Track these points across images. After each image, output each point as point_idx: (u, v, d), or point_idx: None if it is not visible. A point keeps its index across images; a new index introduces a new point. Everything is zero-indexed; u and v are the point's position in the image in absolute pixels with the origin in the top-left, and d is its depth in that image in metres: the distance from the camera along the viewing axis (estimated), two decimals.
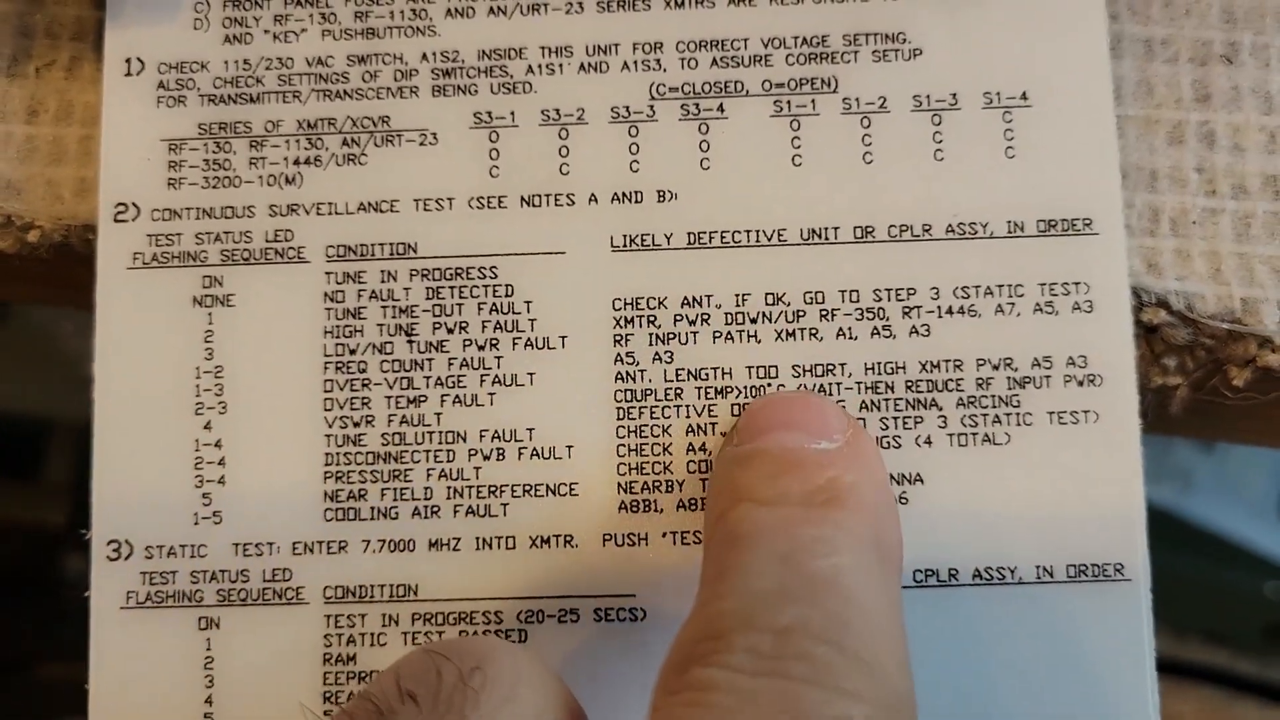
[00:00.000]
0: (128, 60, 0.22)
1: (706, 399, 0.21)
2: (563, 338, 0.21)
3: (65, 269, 0.24)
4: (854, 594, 0.17)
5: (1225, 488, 0.48)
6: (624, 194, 0.22)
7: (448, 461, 0.21)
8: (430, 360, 0.21)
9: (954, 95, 0.22)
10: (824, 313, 0.21)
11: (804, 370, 0.21)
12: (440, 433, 0.21)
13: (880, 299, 0.21)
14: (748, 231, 0.21)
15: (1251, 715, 0.49)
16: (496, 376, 0.21)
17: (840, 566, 0.17)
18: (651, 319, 0.21)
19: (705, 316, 0.21)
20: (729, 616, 0.16)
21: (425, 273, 0.22)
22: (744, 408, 0.21)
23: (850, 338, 0.21)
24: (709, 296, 0.21)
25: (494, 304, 0.22)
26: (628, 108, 0.22)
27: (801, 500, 0.18)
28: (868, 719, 0.15)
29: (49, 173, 0.23)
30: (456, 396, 0.21)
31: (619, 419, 0.21)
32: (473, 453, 0.21)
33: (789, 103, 0.22)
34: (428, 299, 0.22)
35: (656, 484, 0.21)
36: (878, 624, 0.17)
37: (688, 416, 0.21)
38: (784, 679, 0.15)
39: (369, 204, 0.22)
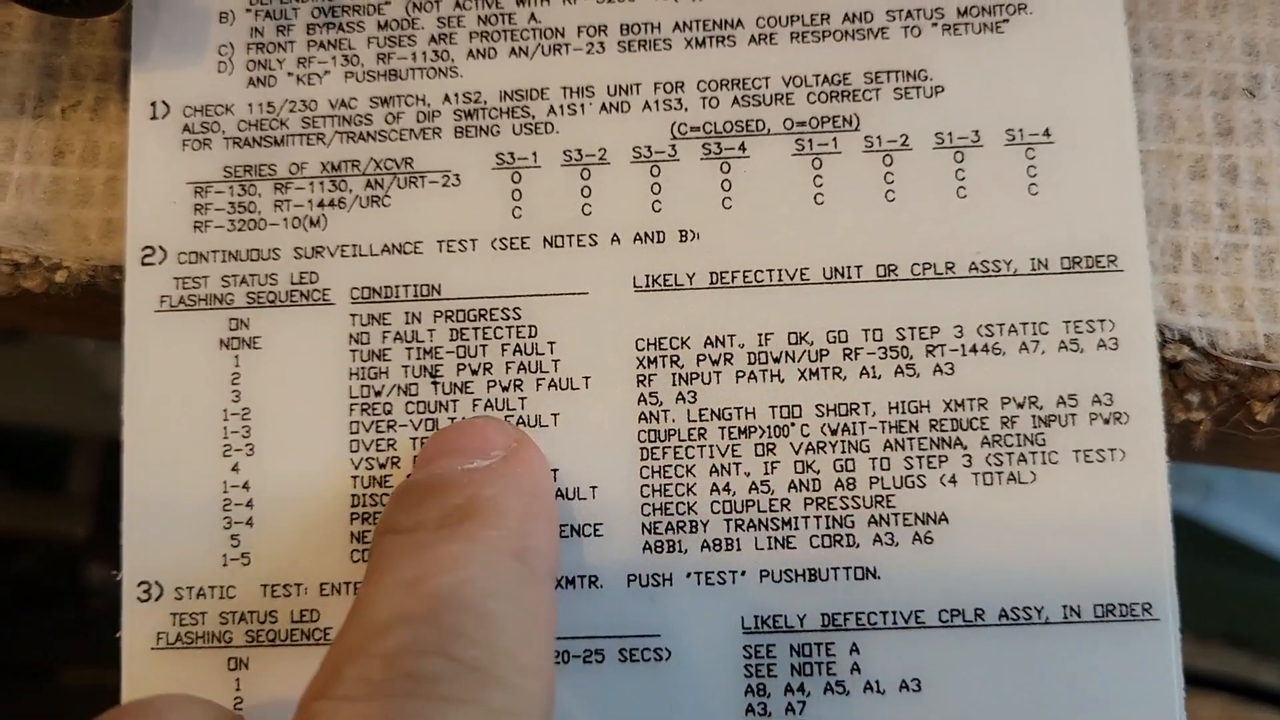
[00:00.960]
0: (153, 104, 0.23)
1: (730, 439, 0.21)
2: (586, 378, 0.21)
3: (93, 305, 0.24)
4: (476, 604, 0.17)
5: (1246, 494, 0.48)
6: (646, 234, 0.22)
7: None
8: (455, 401, 0.22)
9: (976, 132, 0.22)
10: (847, 352, 0.21)
11: (828, 410, 0.21)
12: None
13: (904, 338, 0.21)
14: (770, 271, 0.22)
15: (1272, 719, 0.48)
16: (521, 417, 0.21)
17: (464, 579, 0.17)
18: (675, 359, 0.21)
19: (728, 356, 0.21)
20: (345, 649, 0.17)
21: (449, 314, 0.22)
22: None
23: (874, 377, 0.21)
24: (732, 336, 0.21)
25: (517, 345, 0.22)
26: (649, 147, 0.22)
27: (437, 523, 0.18)
28: None
29: (76, 214, 0.23)
30: None
31: (643, 459, 0.21)
32: None
33: (811, 141, 0.22)
34: (452, 340, 0.22)
35: (680, 524, 0.21)
36: (502, 632, 0.17)
37: (711, 457, 0.21)
38: (387, 698, 0.16)
39: (393, 245, 0.22)
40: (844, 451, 0.21)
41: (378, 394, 0.22)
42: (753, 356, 0.21)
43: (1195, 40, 0.23)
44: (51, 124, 0.24)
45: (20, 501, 0.52)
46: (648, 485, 0.21)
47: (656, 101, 0.22)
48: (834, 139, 0.22)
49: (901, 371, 0.21)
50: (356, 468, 0.22)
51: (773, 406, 0.21)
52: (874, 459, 0.21)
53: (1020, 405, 0.21)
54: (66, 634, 0.53)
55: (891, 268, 0.21)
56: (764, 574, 0.21)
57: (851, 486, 0.21)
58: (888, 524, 0.21)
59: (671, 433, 0.21)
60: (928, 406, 0.21)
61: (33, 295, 0.24)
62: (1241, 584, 0.48)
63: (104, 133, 0.24)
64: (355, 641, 0.17)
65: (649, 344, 0.21)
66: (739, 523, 0.21)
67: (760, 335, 0.21)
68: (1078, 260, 0.21)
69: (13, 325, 0.27)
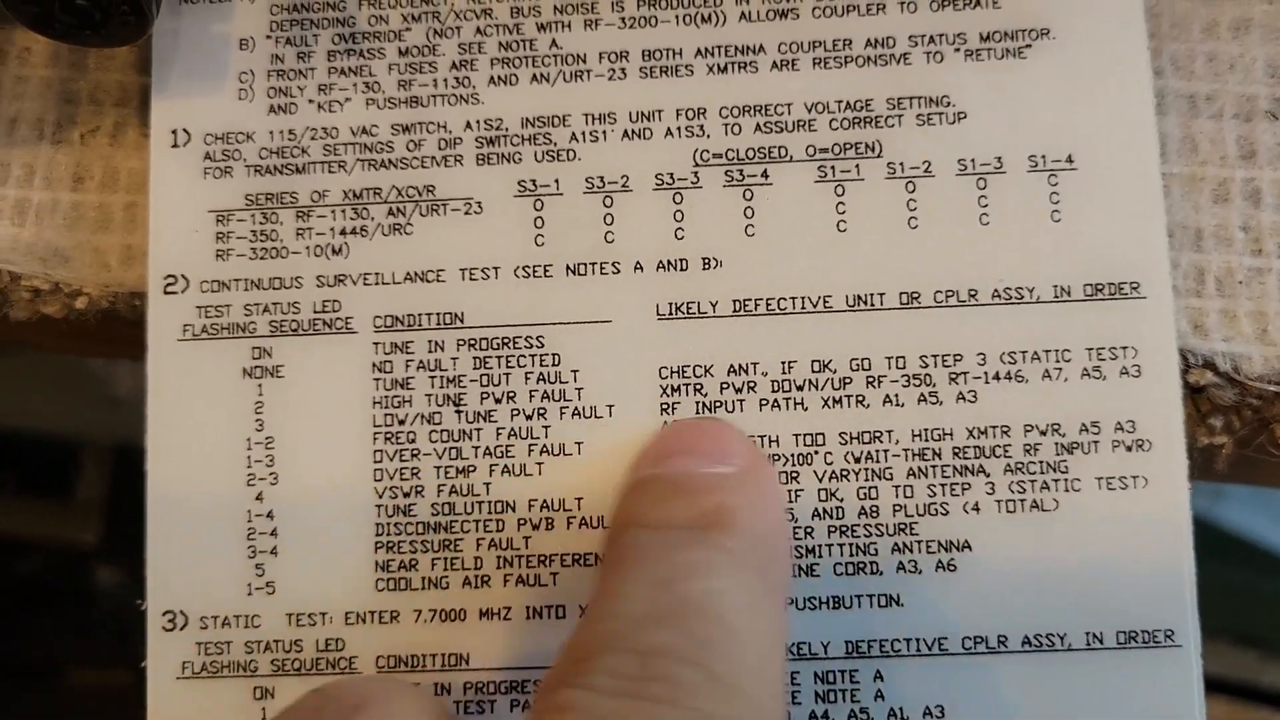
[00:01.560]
0: (174, 131, 0.23)
1: None
2: (610, 407, 0.22)
3: (113, 329, 0.24)
4: (728, 619, 0.17)
5: (1255, 496, 0.49)
6: (669, 262, 0.22)
7: (497, 531, 0.21)
8: (479, 430, 0.22)
9: (999, 159, 0.22)
10: (870, 380, 0.21)
11: (851, 438, 0.21)
12: (489, 502, 0.21)
13: (927, 365, 0.21)
14: (793, 299, 0.22)
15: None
16: (545, 446, 0.22)
17: (716, 590, 0.17)
18: (698, 387, 0.21)
19: (752, 384, 0.21)
20: (597, 639, 0.17)
21: (472, 342, 0.22)
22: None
23: (897, 405, 0.21)
24: (755, 364, 0.21)
25: (541, 373, 0.22)
26: (672, 174, 0.22)
27: (686, 524, 0.18)
28: None
29: (95, 240, 0.23)
30: (505, 466, 0.22)
31: None
32: (522, 522, 0.21)
33: (833, 168, 0.22)
34: (475, 369, 0.22)
35: None
36: (750, 650, 0.17)
37: None
38: (642, 700, 0.16)
39: (415, 274, 0.22)
40: (867, 479, 0.21)
41: (401, 423, 0.22)
42: (776, 385, 0.21)
43: (1217, 62, 0.23)
44: (70, 150, 0.24)
45: (29, 507, 0.52)
46: None
47: (679, 128, 0.22)
48: (856, 166, 0.22)
49: (925, 399, 0.21)
50: (380, 497, 0.22)
51: (796, 435, 0.21)
52: (897, 486, 0.21)
53: (1043, 433, 0.21)
54: (73, 636, 0.53)
55: (914, 295, 0.21)
56: (788, 602, 0.21)
57: (875, 514, 0.21)
58: (911, 551, 0.21)
59: None
60: (951, 434, 0.21)
61: (52, 320, 0.24)
62: (1249, 584, 0.48)
63: (123, 158, 0.24)
64: (608, 633, 0.17)
65: (672, 372, 0.21)
66: None
67: (783, 363, 0.21)
68: (1100, 287, 0.21)
69: (34, 347, 0.27)
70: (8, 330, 0.24)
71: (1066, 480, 0.21)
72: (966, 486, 0.21)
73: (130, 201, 0.23)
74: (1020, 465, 0.21)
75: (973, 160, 0.22)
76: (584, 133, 0.22)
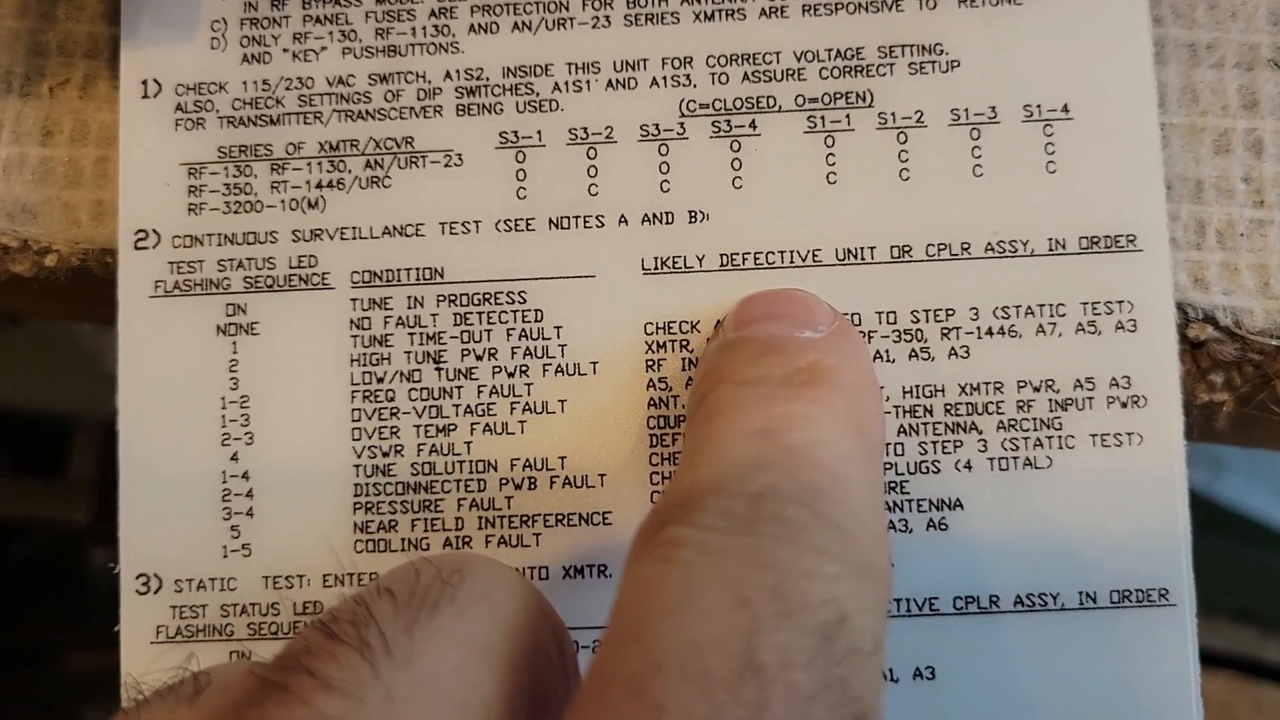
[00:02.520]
0: (144, 82, 0.22)
1: None
2: (594, 363, 0.21)
3: (84, 288, 0.24)
4: (830, 467, 0.17)
5: (1256, 470, 0.48)
6: (655, 215, 0.21)
7: (479, 491, 0.21)
8: (459, 388, 0.21)
9: (993, 108, 0.21)
10: (861, 334, 0.21)
11: None
12: (470, 462, 0.21)
13: (918, 320, 0.21)
14: (782, 252, 0.21)
15: (1277, 694, 0.49)
16: (527, 404, 0.21)
17: (817, 440, 0.17)
18: (684, 343, 0.21)
19: None
20: (703, 483, 0.16)
21: (453, 298, 0.21)
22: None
23: (888, 360, 0.21)
24: None
25: (523, 329, 0.21)
26: (657, 125, 0.21)
27: (782, 380, 0.18)
28: (838, 575, 0.15)
29: (65, 195, 0.23)
30: (487, 425, 0.21)
31: (652, 446, 0.21)
32: (504, 482, 0.21)
33: (823, 118, 0.21)
34: (455, 325, 0.21)
35: None
36: (854, 496, 0.17)
37: None
38: (755, 536, 0.15)
39: (394, 228, 0.21)
40: None
41: (380, 381, 0.21)
42: None
43: (1219, 10, 0.22)
44: (40, 103, 0.23)
45: (21, 486, 0.52)
46: (657, 472, 0.21)
47: (664, 78, 0.21)
48: (847, 116, 0.21)
49: (916, 355, 0.21)
50: (359, 456, 0.21)
51: None
52: (889, 444, 0.21)
53: (1037, 389, 0.21)
54: (68, 618, 0.53)
55: (906, 249, 0.21)
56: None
57: None
58: (902, 510, 0.21)
59: (681, 419, 0.21)
60: (942, 390, 0.21)
61: (23, 280, 0.23)
62: (1250, 559, 0.48)
63: (93, 111, 0.23)
64: (712, 476, 0.16)
65: (658, 328, 0.21)
66: None
67: None
68: (1096, 240, 0.21)
69: (3, 310, 0.26)
70: None
71: (1060, 437, 0.20)
72: (959, 444, 0.21)
73: (101, 156, 0.23)
74: (1013, 422, 0.21)
75: (966, 110, 0.21)
76: (567, 82, 0.22)
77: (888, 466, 0.21)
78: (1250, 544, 0.47)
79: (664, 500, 0.17)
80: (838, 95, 0.21)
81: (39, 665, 0.53)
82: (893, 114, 0.21)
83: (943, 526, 0.20)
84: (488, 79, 0.22)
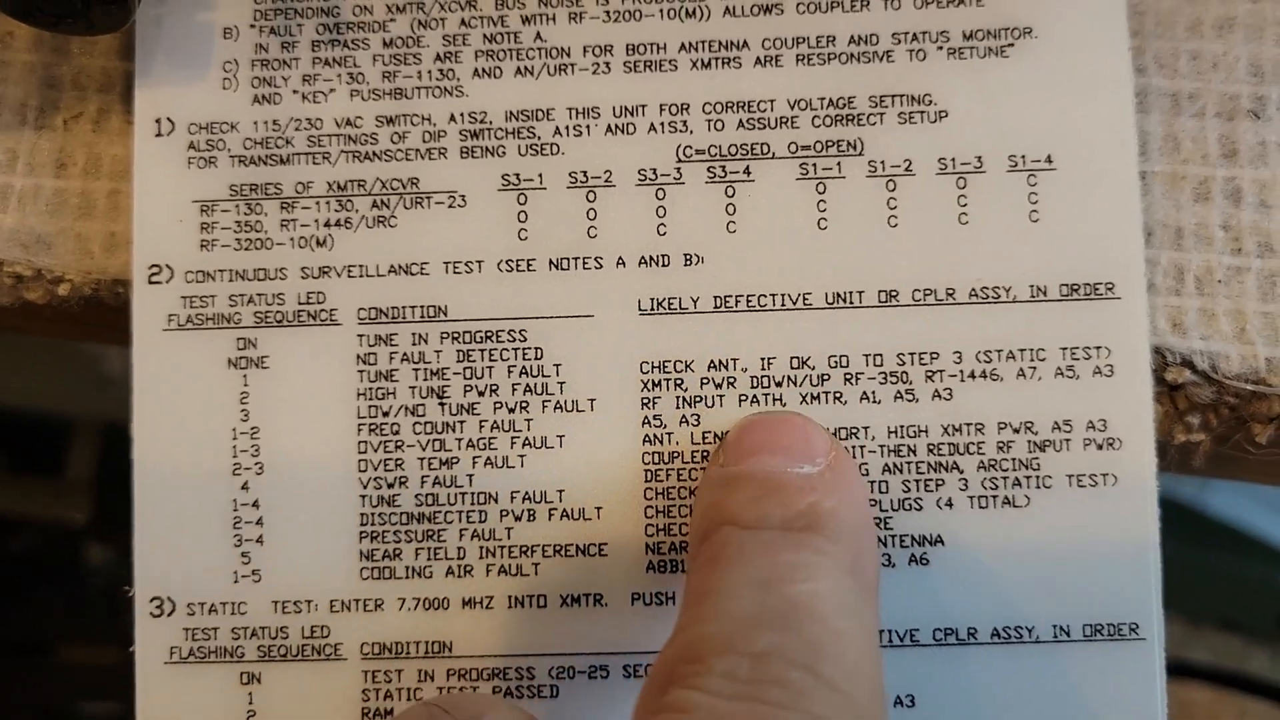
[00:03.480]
0: (158, 120, 0.23)
1: None
2: (591, 400, 0.22)
3: (96, 315, 0.24)
4: (830, 620, 0.17)
5: (1244, 483, 0.49)
6: (651, 258, 0.22)
7: (480, 522, 0.22)
8: (462, 422, 0.22)
9: (979, 158, 0.22)
10: (848, 377, 0.22)
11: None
12: (472, 494, 0.22)
13: (903, 363, 0.22)
14: (773, 295, 0.22)
15: (1261, 705, 0.50)
16: (527, 439, 0.22)
17: (817, 592, 0.18)
18: (679, 382, 0.22)
19: (731, 380, 0.22)
20: (708, 640, 0.17)
21: (456, 335, 0.22)
22: (730, 429, 0.21)
23: (874, 401, 0.22)
24: (735, 360, 0.22)
25: (524, 367, 0.22)
26: (655, 170, 0.22)
27: (782, 525, 0.19)
28: None
29: (78, 227, 0.23)
30: (488, 458, 0.22)
31: (647, 481, 0.22)
32: (504, 513, 0.22)
33: (815, 165, 0.22)
34: (458, 361, 0.22)
35: (684, 545, 0.22)
36: (852, 650, 0.17)
37: None
38: (759, 703, 0.16)
39: (399, 266, 0.22)
40: None
41: (385, 414, 0.22)
42: (755, 380, 0.22)
43: (1200, 61, 0.23)
44: (54, 135, 0.24)
45: (19, 486, 0.52)
46: (652, 506, 0.22)
47: (662, 123, 0.22)
48: (838, 163, 0.22)
49: (901, 396, 0.22)
50: (365, 487, 0.22)
51: None
52: (873, 482, 0.22)
53: (1016, 430, 0.21)
54: (65, 613, 0.53)
55: (893, 293, 0.22)
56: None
57: None
58: (885, 545, 0.21)
59: (675, 455, 0.22)
60: (926, 431, 0.22)
61: (35, 306, 0.24)
62: (1235, 569, 0.49)
63: (106, 145, 0.24)
64: (718, 634, 0.17)
65: (653, 367, 0.22)
66: None
67: (763, 359, 0.22)
68: (1076, 287, 0.21)
69: (16, 332, 0.27)
70: None
71: (1038, 477, 0.21)
72: (940, 483, 0.21)
73: (113, 189, 0.23)
74: (993, 462, 0.21)
75: (953, 159, 0.22)
76: (568, 127, 0.22)
77: (873, 502, 0.21)
78: (1237, 555, 0.48)
79: (669, 653, 0.18)
80: (829, 143, 0.22)
81: (34, 658, 0.54)
82: (882, 162, 0.22)
83: (924, 561, 0.21)
84: (491, 122, 0.22)
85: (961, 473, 0.21)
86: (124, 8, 0.21)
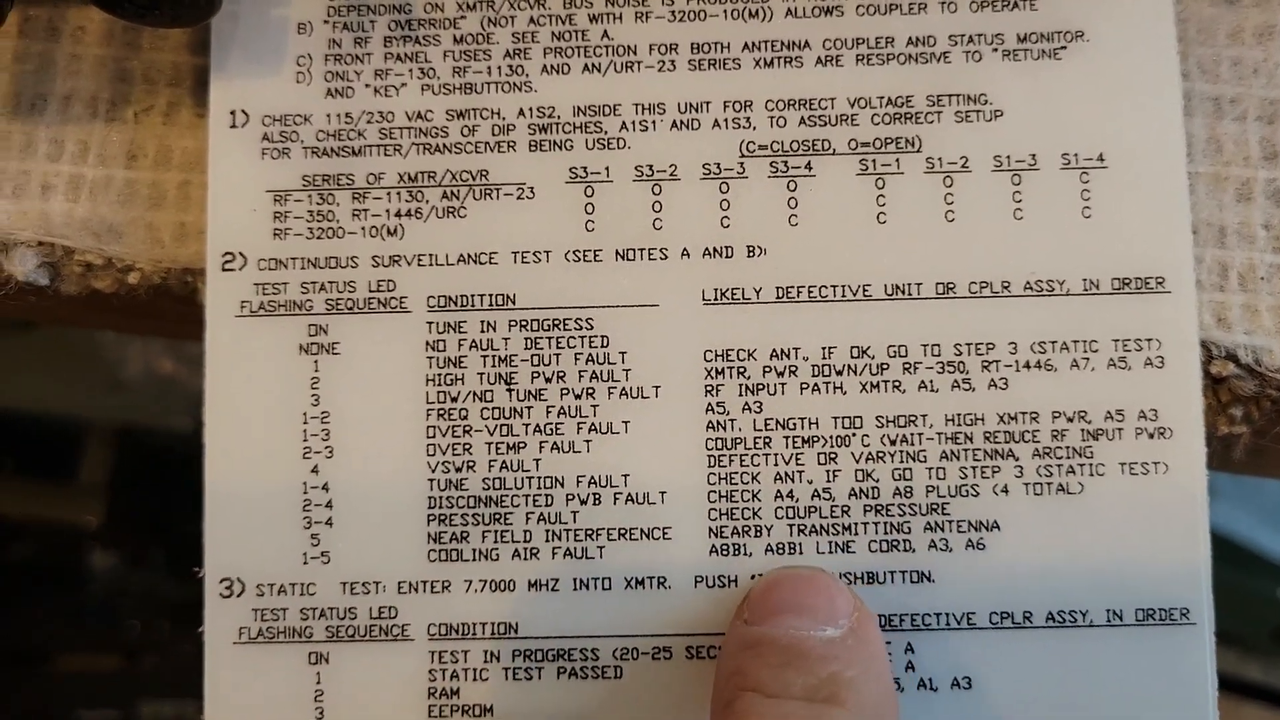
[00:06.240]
0: (233, 112, 0.23)
1: (794, 448, 0.22)
2: (656, 387, 0.22)
3: (163, 305, 0.25)
4: None
5: (1242, 497, 0.50)
6: (715, 249, 0.23)
7: (546, 506, 0.22)
8: (529, 408, 0.22)
9: (1033, 156, 0.23)
10: (907, 366, 0.22)
11: (887, 421, 0.22)
12: (539, 478, 0.22)
13: (960, 353, 0.22)
14: (834, 286, 0.22)
15: (1260, 714, 0.50)
16: (593, 424, 0.22)
17: None
18: (741, 370, 0.22)
19: (793, 368, 0.22)
20: None
21: (524, 323, 0.23)
22: (755, 582, 0.22)
23: (932, 390, 0.22)
24: (797, 349, 0.22)
25: (590, 354, 0.22)
26: (719, 164, 0.23)
27: (804, 694, 0.19)
28: None
29: (149, 216, 0.24)
30: (554, 443, 0.22)
31: (710, 466, 0.22)
32: (570, 497, 0.22)
33: (874, 161, 0.23)
34: (526, 349, 0.23)
35: (745, 529, 0.22)
36: None
37: (776, 465, 0.22)
38: None
39: (469, 255, 0.23)
40: (902, 461, 0.22)
41: (454, 400, 0.22)
42: (816, 369, 0.22)
43: (1242, 66, 0.24)
44: (124, 127, 0.24)
45: (33, 489, 0.52)
46: (714, 491, 0.22)
47: (726, 119, 0.23)
48: (897, 160, 0.23)
49: (958, 385, 0.22)
50: (433, 471, 0.22)
51: (835, 417, 0.22)
52: (930, 469, 0.22)
53: (1070, 419, 0.22)
54: (64, 620, 0.53)
55: (950, 285, 0.22)
56: None
57: (909, 494, 0.22)
58: (942, 530, 0.22)
59: (738, 441, 0.22)
60: (982, 419, 0.22)
61: (101, 295, 0.24)
62: (1231, 581, 0.49)
63: (176, 137, 0.24)
64: None
65: (717, 355, 0.22)
66: (801, 528, 0.22)
67: (824, 349, 0.22)
68: (1127, 281, 0.22)
69: (76, 324, 0.27)
70: (58, 304, 0.25)
71: (1091, 465, 0.22)
72: (996, 469, 0.22)
73: (184, 180, 0.24)
74: (1048, 450, 0.22)
75: (1008, 157, 0.23)
76: (634, 122, 0.23)
77: (930, 489, 0.22)
78: (1235, 567, 0.49)
79: None
80: (888, 140, 0.23)
81: (31, 666, 0.54)
82: (939, 159, 0.23)
83: (980, 546, 0.22)
84: (559, 117, 0.23)
85: (1017, 460, 0.22)
86: (210, 1, 0.21)
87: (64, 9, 0.25)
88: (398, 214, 0.23)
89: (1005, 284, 0.22)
